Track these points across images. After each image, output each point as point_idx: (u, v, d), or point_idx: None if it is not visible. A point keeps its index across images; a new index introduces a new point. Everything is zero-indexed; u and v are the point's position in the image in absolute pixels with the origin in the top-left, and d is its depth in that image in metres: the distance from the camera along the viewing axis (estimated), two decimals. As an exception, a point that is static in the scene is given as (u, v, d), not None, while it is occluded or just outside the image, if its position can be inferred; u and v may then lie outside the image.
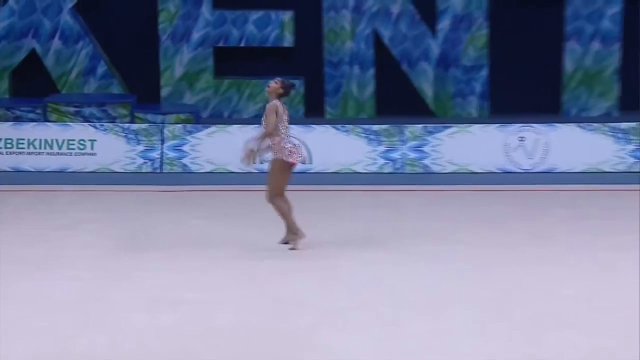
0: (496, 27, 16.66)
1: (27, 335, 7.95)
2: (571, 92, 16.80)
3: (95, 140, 14.88)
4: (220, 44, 16.88)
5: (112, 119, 15.64)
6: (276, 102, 10.32)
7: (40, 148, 14.89)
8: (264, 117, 10.37)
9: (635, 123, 14.76)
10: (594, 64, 16.71)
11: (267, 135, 10.25)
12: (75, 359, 7.54)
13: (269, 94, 10.42)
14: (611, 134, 14.67)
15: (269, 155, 10.38)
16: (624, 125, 14.75)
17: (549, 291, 9.11)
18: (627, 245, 10.63)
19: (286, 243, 10.44)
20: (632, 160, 14.59)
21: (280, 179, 10.27)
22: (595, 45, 16.71)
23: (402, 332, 8.05)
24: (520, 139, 14.72)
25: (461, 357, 7.51)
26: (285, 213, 10.33)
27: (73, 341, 7.86)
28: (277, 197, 10.30)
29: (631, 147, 14.63)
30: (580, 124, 14.91)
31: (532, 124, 14.79)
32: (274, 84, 10.41)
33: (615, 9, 16.64)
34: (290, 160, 10.26)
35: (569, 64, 16.75)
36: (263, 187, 10.50)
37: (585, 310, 8.58)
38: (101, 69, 16.80)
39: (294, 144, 10.36)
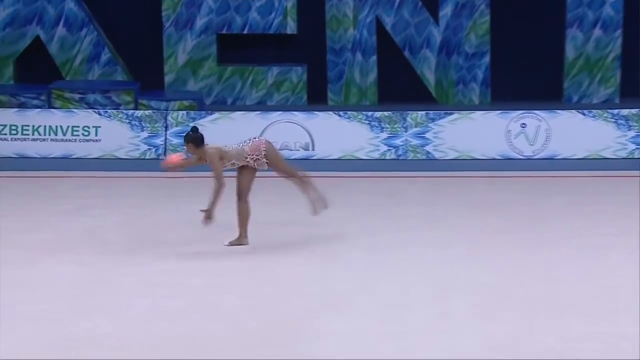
0: (498, 14, 16.56)
1: (28, 319, 7.92)
2: (572, 79, 16.72)
3: (99, 126, 14.83)
4: (224, 31, 16.80)
5: (116, 106, 15.59)
6: (213, 148, 9.91)
7: (44, 134, 14.85)
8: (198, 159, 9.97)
9: (636, 109, 14.69)
10: (595, 50, 16.62)
11: (223, 186, 9.79)
12: (77, 343, 7.51)
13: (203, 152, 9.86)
14: (612, 120, 14.60)
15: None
16: (625, 111, 14.68)
17: (547, 275, 9.08)
18: (626, 230, 10.59)
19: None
20: (632, 146, 14.52)
21: None
22: (597, 32, 16.62)
23: (404, 316, 8.02)
24: (521, 125, 14.66)
25: (464, 340, 7.48)
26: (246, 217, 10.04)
27: (75, 325, 7.83)
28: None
29: (632, 133, 14.56)
30: (582, 111, 14.84)
31: (534, 111, 14.72)
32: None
33: (616, -4, 16.56)
34: None
35: (570, 51, 16.66)
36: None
37: (583, 294, 8.55)
38: (105, 55, 16.74)
39: None
